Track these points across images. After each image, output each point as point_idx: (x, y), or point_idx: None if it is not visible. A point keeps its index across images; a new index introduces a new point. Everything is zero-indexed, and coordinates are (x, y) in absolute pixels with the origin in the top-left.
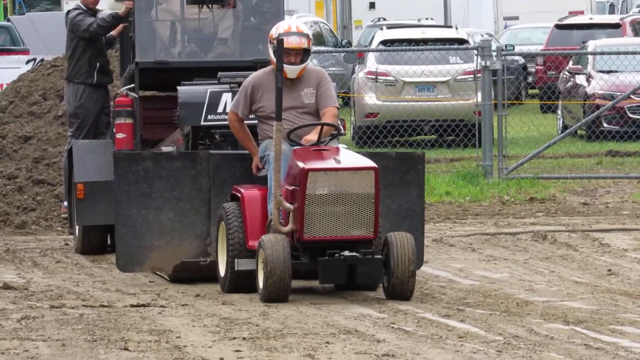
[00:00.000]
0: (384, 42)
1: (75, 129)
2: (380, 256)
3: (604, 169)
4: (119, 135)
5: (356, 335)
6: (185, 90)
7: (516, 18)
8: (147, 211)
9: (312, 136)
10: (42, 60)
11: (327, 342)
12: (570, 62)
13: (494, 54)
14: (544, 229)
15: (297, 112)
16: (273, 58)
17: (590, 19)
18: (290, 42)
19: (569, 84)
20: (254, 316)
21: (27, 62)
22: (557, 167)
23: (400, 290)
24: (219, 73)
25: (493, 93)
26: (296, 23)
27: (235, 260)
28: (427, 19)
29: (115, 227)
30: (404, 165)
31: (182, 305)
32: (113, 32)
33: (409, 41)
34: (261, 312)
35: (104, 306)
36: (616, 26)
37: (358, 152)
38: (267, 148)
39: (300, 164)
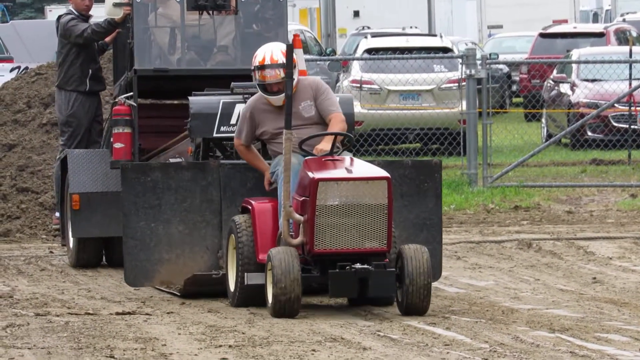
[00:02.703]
0: (369, 51)
1: (67, 137)
2: (393, 269)
3: (588, 178)
4: (117, 145)
5: (342, 343)
6: (197, 101)
7: (500, 27)
8: (156, 223)
9: (325, 145)
10: (26, 68)
11: (314, 350)
12: (555, 71)
13: (479, 62)
14: (528, 237)
15: (301, 128)
16: (267, 96)
17: (574, 27)
18: (266, 75)
19: (553, 92)
20: (240, 324)
21: (12, 70)
22: (541, 176)
23: (415, 305)
24: (232, 83)
25: (477, 101)
26: (271, 51)
27: (245, 274)
28: (411, 27)
29: (123, 240)
30: (420, 174)
31: (168, 313)
32: (106, 38)
33: (394, 49)
34: (247, 319)
35: (89, 314)
36: (600, 35)
37: (372, 161)
38: (278, 163)
39: (310, 174)
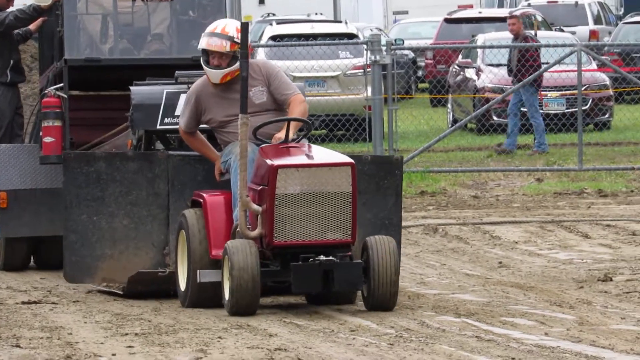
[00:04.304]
0: (274, 38)
1: None
2: (359, 261)
3: (494, 162)
4: (47, 139)
5: (248, 330)
6: (139, 91)
7: (405, 12)
8: (99, 217)
9: (283, 133)
10: None
11: (220, 337)
12: (460, 56)
13: (384, 48)
14: (434, 222)
15: (252, 115)
16: (206, 68)
17: (480, 12)
18: (210, 43)
19: (459, 77)
20: (146, 312)
21: None
22: (447, 161)
23: (382, 299)
24: (176, 72)
25: (383, 87)
26: (225, 23)
27: (198, 271)
28: (316, 14)
29: (63, 234)
30: (380, 170)
31: (74, 301)
32: (31, 26)
33: (299, 36)
34: (153, 307)
35: None
36: (505, 20)
37: None
38: (230, 152)
39: (269, 161)
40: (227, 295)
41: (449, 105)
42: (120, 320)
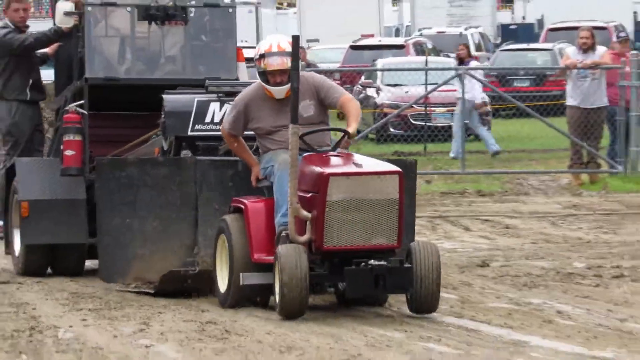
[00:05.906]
0: None
1: (10, 147)
2: (409, 265)
3: None
4: (68, 152)
5: (184, 307)
6: (171, 99)
7: (317, 40)
8: (131, 220)
9: (353, 128)
10: None
11: (160, 312)
12: (363, 77)
13: None
14: None
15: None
16: (270, 87)
17: (380, 41)
18: (272, 63)
19: (361, 95)
20: (98, 291)
21: None
22: None
23: (426, 303)
24: (207, 81)
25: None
26: (278, 40)
27: (241, 274)
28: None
29: (97, 237)
30: None
31: (37, 282)
32: (48, 50)
33: None
34: (104, 287)
35: None
36: (401, 47)
37: None
38: (271, 159)
39: (319, 169)
40: (277, 298)
41: None
42: (76, 298)
